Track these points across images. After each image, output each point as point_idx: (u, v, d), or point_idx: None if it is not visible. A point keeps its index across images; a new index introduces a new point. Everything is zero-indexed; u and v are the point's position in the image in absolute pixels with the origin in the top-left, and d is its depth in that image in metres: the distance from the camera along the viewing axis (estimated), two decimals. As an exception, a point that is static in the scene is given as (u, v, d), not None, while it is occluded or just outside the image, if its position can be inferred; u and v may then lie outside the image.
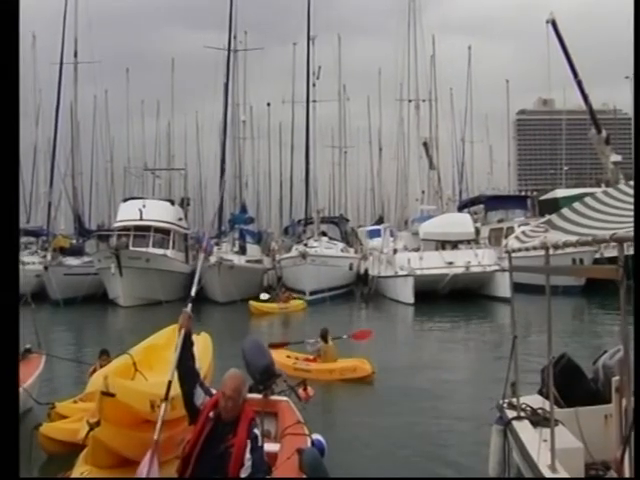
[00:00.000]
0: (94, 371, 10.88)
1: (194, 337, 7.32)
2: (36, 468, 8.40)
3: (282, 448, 6.61)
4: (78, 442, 8.29)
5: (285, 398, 8.14)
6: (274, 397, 8.15)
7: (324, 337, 14.29)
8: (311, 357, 14.28)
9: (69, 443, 8.30)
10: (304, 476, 5.86)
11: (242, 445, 5.15)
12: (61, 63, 40.53)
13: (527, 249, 5.94)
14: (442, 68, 53.91)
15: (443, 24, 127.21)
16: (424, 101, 48.61)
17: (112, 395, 5.16)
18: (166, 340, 6.72)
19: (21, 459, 8.40)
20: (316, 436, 7.12)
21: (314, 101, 43.93)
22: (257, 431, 5.38)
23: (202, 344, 7.22)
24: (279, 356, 13.74)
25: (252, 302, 28.78)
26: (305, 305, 29.63)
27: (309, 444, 6.68)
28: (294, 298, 31.13)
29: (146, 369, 5.87)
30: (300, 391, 8.48)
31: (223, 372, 7.47)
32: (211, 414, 5.27)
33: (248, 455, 5.14)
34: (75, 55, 42.07)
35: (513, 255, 6.59)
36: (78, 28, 41.84)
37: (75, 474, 5.48)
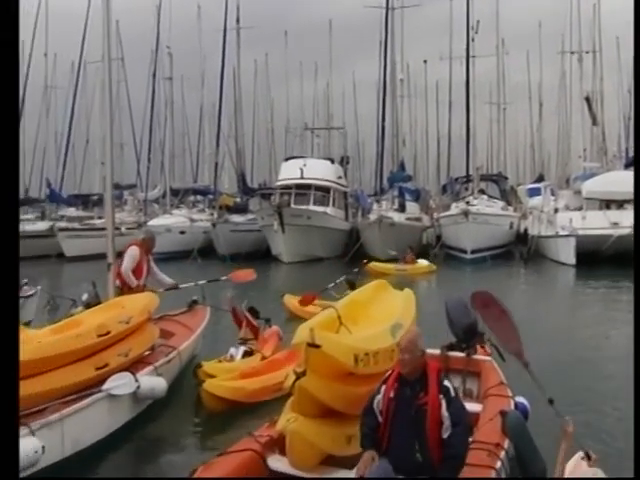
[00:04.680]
0: (240, 323, 11.49)
1: (397, 293, 7.53)
2: (200, 424, 8.89)
3: (484, 409, 6.63)
4: (239, 400, 8.84)
5: (488, 358, 8.08)
6: (477, 356, 8.14)
7: (352, 286, 14.83)
8: None
9: (231, 400, 8.82)
10: (506, 439, 5.82)
11: (436, 401, 5.09)
12: (225, 30, 41.72)
13: None
14: (607, 17, 50.81)
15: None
16: (587, 53, 46.26)
17: (318, 347, 5.38)
18: (370, 295, 6.91)
19: (186, 414, 9.11)
20: (519, 399, 7.00)
21: (473, 57, 42.99)
22: (448, 383, 5.30)
23: (405, 300, 7.37)
24: (310, 308, 14.65)
25: (374, 264, 28.30)
26: (433, 269, 28.41)
27: (512, 407, 6.61)
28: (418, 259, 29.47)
29: (350, 323, 6.03)
30: (479, 349, 8.49)
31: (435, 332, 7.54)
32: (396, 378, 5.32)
33: (446, 413, 5.07)
34: (237, 21, 43.25)
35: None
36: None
37: (282, 420, 5.83)
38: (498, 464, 5.46)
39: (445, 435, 5.07)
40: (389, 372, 5.44)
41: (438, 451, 5.08)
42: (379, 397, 5.33)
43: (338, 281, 16.49)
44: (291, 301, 16.05)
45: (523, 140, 70.16)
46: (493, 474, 5.30)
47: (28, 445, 6.40)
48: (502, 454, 5.62)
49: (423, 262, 29.18)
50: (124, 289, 10.88)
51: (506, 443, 5.81)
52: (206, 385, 8.76)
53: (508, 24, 49.18)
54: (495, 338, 7.15)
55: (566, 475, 5.08)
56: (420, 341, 5.37)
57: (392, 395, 5.25)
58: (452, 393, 5.20)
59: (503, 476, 5.57)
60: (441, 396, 5.12)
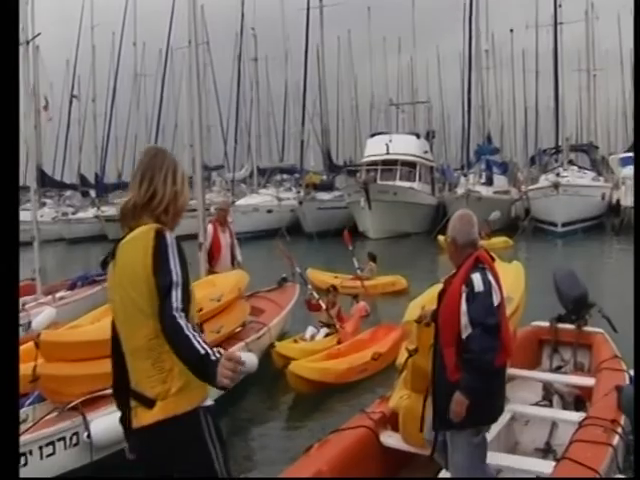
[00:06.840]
0: (318, 308, 11.36)
1: (505, 265, 7.35)
2: (289, 400, 8.99)
3: (598, 383, 6.49)
4: (325, 381, 8.88)
5: (600, 330, 7.89)
6: (588, 328, 7.94)
7: (374, 259, 17.68)
8: (360, 276, 16.24)
9: (317, 382, 8.85)
10: (622, 415, 5.64)
11: (455, 292, 4.56)
12: (308, 8, 41.76)
13: None
14: None
15: None
16: (685, 12, 44.13)
17: (429, 324, 5.23)
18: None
19: (276, 390, 9.24)
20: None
21: (560, 23, 41.69)
22: (477, 276, 4.54)
23: (514, 273, 7.25)
24: (326, 277, 16.44)
25: (440, 237, 27.86)
26: (510, 244, 26.99)
27: (627, 381, 6.30)
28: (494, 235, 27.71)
29: (460, 298, 6.01)
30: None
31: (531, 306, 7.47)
32: None
33: (464, 307, 4.46)
34: (320, -1, 43.25)
35: None
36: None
37: (395, 397, 5.91)
38: (615, 440, 5.33)
39: (464, 335, 4.48)
40: None
41: (454, 351, 4.54)
42: None
43: (357, 265, 16.65)
44: (312, 274, 16.66)
45: (614, 108, 67.67)
46: (610, 451, 5.17)
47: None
48: (619, 430, 5.48)
49: (497, 238, 27.63)
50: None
51: (622, 419, 5.64)
52: (292, 366, 8.76)
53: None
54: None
55: None
56: (462, 232, 4.79)
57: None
58: (478, 288, 4.46)
59: (620, 454, 5.43)
60: (463, 287, 4.52)
